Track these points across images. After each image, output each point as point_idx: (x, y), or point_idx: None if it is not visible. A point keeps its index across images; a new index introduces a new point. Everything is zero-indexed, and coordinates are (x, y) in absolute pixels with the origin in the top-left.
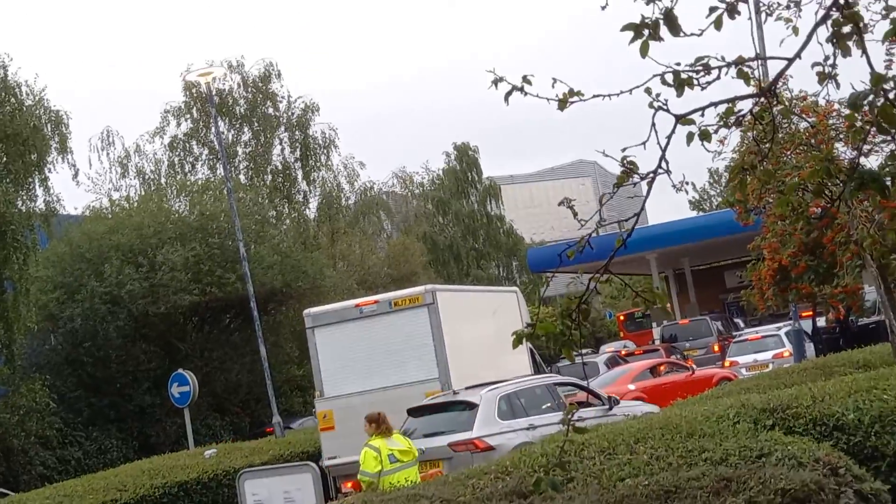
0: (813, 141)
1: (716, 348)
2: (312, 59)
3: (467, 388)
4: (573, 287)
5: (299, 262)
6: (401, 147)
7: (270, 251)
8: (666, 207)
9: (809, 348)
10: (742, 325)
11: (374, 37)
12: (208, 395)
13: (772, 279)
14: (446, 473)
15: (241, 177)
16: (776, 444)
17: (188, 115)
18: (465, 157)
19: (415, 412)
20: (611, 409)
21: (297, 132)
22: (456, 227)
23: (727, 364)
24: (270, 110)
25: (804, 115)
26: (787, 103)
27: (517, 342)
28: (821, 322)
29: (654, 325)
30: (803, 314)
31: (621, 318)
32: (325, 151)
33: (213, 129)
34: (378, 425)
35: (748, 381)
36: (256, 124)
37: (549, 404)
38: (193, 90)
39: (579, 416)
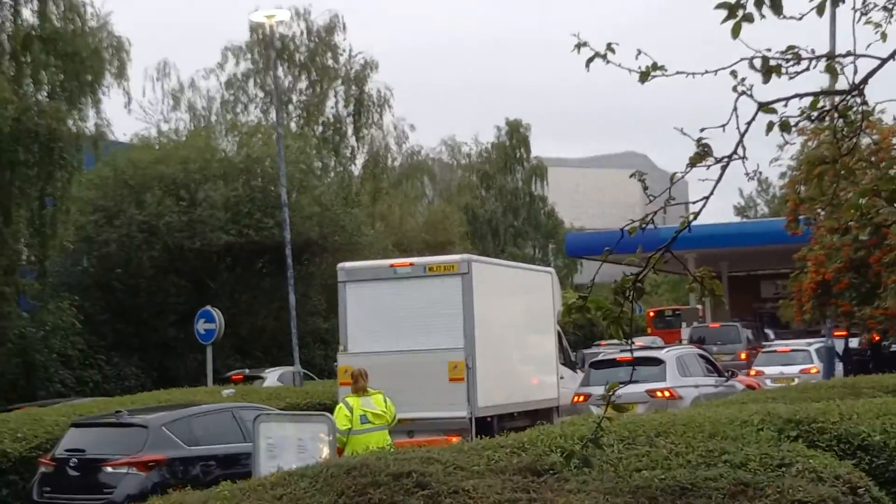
0: (873, 158)
1: (743, 356)
2: (377, 15)
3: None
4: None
5: (338, 217)
6: (454, 115)
7: (311, 202)
8: (708, 210)
9: (838, 368)
10: (772, 336)
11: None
12: (232, 336)
13: (813, 292)
14: (462, 441)
15: (293, 124)
16: (798, 455)
17: (248, 56)
18: (517, 134)
19: (598, 365)
20: (728, 380)
21: (353, 87)
22: (497, 203)
23: (753, 373)
24: (330, 62)
25: (868, 131)
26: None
27: (567, 312)
28: (853, 344)
29: (683, 324)
30: (836, 333)
31: (651, 314)
32: (379, 110)
33: (270, 73)
34: (354, 382)
35: (774, 391)
36: (314, 74)
37: (702, 369)
38: (258, 32)
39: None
